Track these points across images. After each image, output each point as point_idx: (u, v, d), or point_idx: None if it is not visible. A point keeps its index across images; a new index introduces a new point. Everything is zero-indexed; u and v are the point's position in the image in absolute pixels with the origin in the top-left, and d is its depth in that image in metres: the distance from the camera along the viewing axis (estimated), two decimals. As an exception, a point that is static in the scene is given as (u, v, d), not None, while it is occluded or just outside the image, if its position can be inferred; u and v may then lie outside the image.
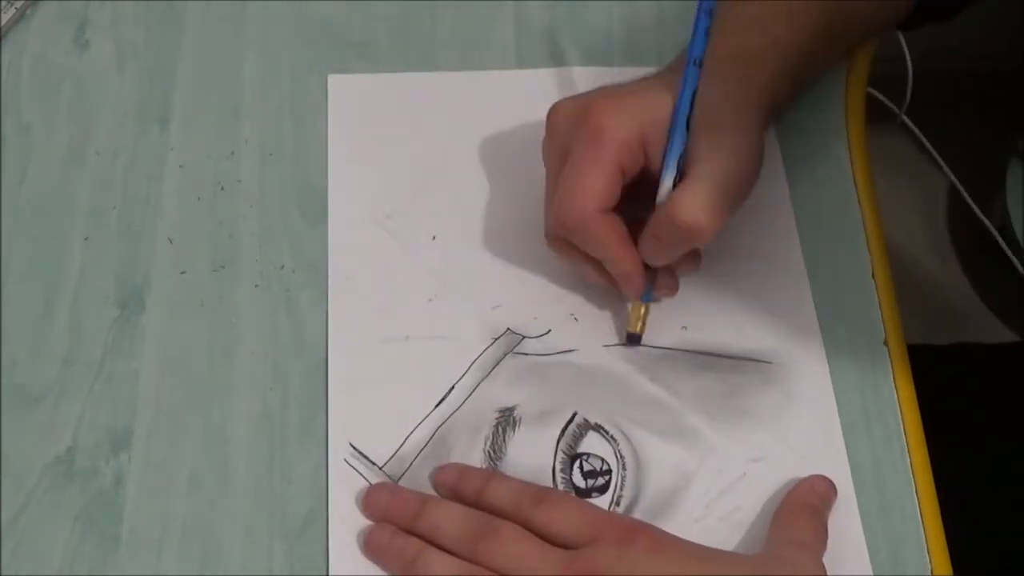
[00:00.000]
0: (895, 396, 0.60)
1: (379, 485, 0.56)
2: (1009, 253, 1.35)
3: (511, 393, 0.59)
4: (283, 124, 0.67)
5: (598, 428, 0.58)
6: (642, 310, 0.59)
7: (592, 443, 0.58)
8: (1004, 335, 1.36)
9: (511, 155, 0.66)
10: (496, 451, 0.57)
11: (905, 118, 0.69)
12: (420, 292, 0.62)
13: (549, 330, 0.61)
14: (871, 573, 0.55)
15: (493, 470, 0.57)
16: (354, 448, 0.57)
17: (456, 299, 0.62)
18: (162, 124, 0.67)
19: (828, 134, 0.68)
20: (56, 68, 0.69)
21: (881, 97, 0.69)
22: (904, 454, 0.58)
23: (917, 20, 0.68)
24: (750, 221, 0.63)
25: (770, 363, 0.60)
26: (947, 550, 0.56)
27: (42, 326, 0.60)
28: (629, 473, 0.57)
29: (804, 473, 0.57)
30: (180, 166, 0.66)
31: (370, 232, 0.64)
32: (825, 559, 0.53)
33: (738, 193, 0.56)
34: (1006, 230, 1.35)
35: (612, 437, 0.58)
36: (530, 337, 0.60)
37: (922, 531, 0.56)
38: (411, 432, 0.57)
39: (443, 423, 0.58)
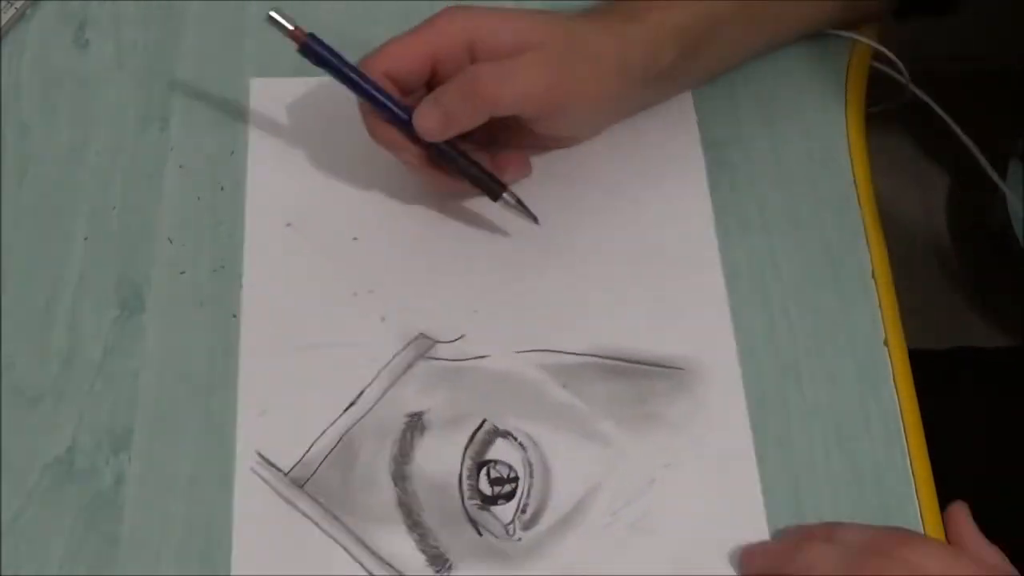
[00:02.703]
0: (895, 396, 0.60)
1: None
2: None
3: (421, 399, 0.58)
4: (283, 124, 0.67)
5: (507, 435, 0.57)
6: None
7: (501, 450, 0.57)
8: (1004, 336, 1.36)
9: None
10: (403, 456, 0.57)
11: (914, 88, 0.67)
12: (333, 298, 0.61)
13: (462, 335, 0.60)
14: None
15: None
16: (261, 456, 0.57)
17: (369, 304, 0.61)
18: (162, 124, 0.67)
19: (827, 135, 0.67)
20: (56, 68, 0.69)
21: (889, 70, 0.67)
22: (904, 454, 0.58)
23: (908, 11, 0.65)
24: (667, 222, 0.63)
25: (682, 369, 0.59)
26: (947, 550, 0.56)
27: (42, 326, 0.60)
28: (537, 480, 0.56)
29: (714, 478, 0.56)
30: (180, 166, 0.66)
31: (286, 236, 0.63)
32: None
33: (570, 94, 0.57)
34: (1006, 230, 1.35)
35: (521, 444, 0.57)
36: (443, 342, 0.60)
37: (922, 531, 0.56)
38: (317, 438, 0.57)
39: (350, 428, 0.57)
